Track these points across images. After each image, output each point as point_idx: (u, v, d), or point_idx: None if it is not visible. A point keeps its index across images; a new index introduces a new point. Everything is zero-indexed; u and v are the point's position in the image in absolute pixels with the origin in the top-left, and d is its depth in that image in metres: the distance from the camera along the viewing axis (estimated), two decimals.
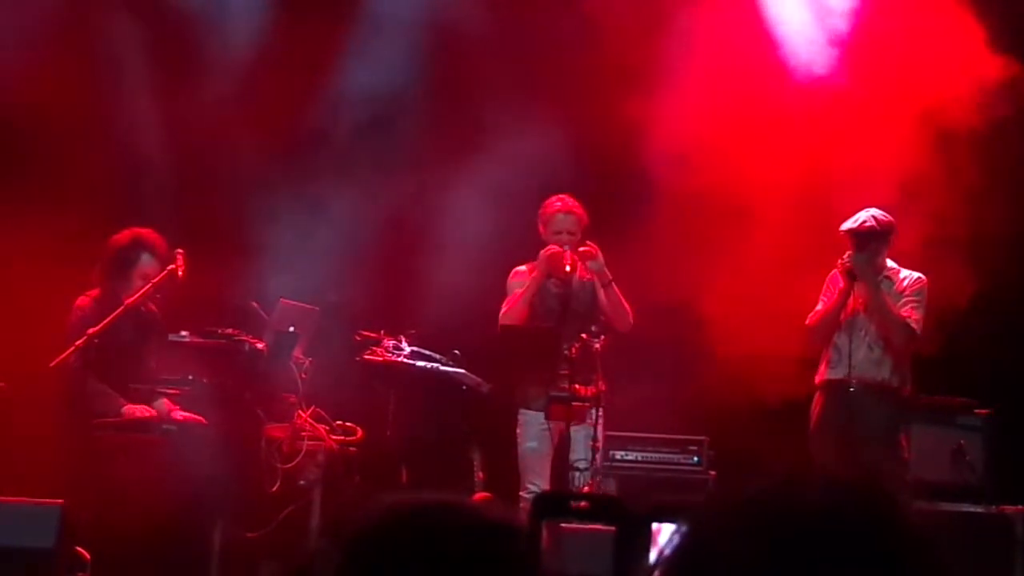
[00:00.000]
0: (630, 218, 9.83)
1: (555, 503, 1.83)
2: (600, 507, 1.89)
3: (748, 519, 1.46)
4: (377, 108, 10.40)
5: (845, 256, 8.87)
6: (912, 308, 8.91)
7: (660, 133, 9.77)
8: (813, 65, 10.19)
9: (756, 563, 1.42)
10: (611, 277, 8.90)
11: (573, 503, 1.90)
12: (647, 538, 1.93)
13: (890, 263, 9.02)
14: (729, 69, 9.98)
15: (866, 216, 8.88)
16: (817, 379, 9.03)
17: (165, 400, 8.64)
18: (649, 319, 9.33)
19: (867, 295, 8.90)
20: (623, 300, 8.91)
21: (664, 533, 1.97)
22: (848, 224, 8.88)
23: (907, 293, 8.93)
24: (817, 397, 9.01)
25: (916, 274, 9.01)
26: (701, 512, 1.52)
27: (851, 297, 8.93)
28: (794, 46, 10.26)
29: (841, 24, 10.21)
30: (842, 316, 8.95)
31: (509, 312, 8.93)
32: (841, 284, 8.92)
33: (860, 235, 8.86)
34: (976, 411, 9.06)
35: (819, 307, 9.03)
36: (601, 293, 8.91)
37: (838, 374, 8.93)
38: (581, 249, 8.89)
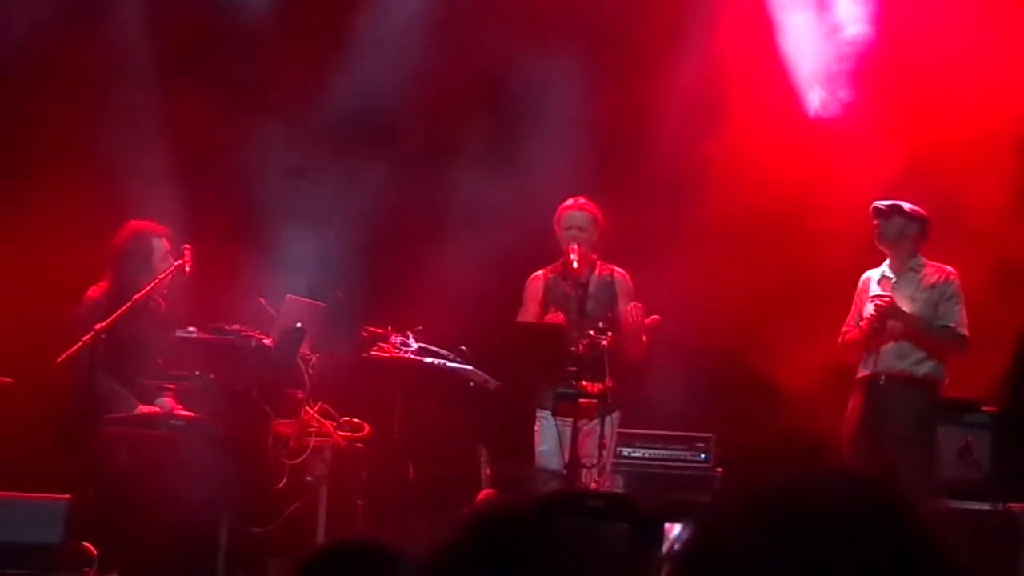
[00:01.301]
0: (646, 210, 9.86)
1: (570, 501, 1.84)
2: (614, 505, 1.89)
3: (758, 518, 1.45)
4: (387, 102, 10.39)
5: (883, 295, 8.78)
6: (957, 311, 8.80)
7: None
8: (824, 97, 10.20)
9: (766, 563, 1.42)
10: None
11: (589, 502, 1.90)
12: (659, 536, 1.92)
13: (920, 258, 8.93)
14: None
15: (899, 201, 8.84)
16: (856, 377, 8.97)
17: (168, 398, 8.63)
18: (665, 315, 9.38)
19: (910, 332, 8.78)
20: (641, 329, 8.79)
21: (675, 531, 1.97)
22: (879, 202, 8.85)
23: (945, 291, 8.81)
24: (852, 394, 8.94)
25: (946, 268, 8.88)
26: (711, 510, 1.52)
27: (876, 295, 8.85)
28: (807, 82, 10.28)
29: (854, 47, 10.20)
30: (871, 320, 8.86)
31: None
32: (871, 311, 8.80)
33: (885, 206, 8.82)
34: (983, 409, 9.05)
35: (850, 319, 8.95)
36: (622, 301, 8.85)
37: (867, 369, 8.86)
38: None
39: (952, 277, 8.87)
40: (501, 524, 1.77)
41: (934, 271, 8.89)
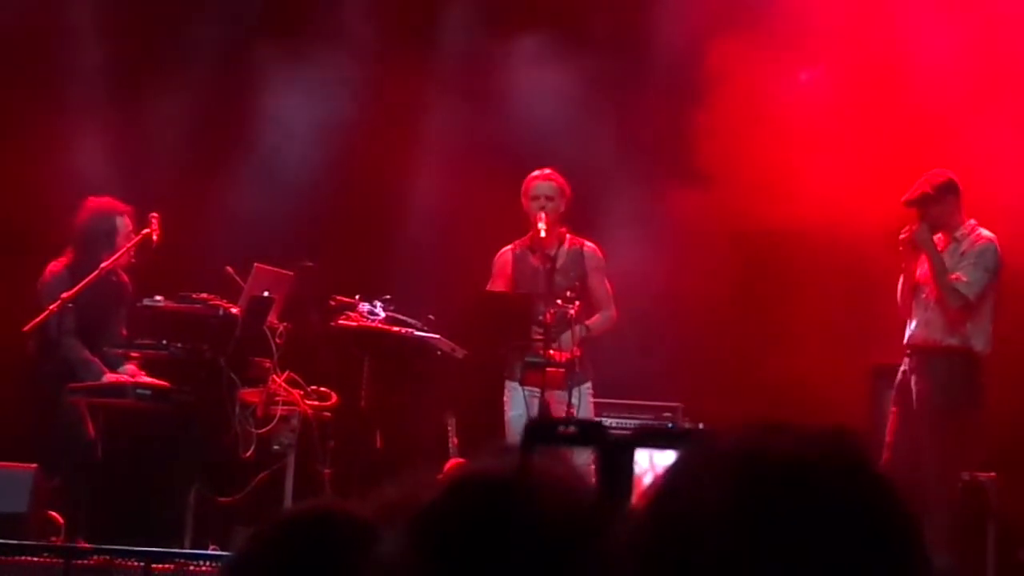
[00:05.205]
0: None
1: (544, 430, 1.85)
2: (586, 432, 1.92)
3: (721, 471, 1.47)
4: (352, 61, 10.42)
5: (904, 230, 8.64)
6: (964, 271, 8.49)
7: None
8: None
9: (727, 515, 1.44)
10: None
11: (561, 429, 1.92)
12: (629, 462, 1.93)
13: (971, 223, 8.64)
14: None
15: (920, 182, 8.60)
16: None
17: (131, 366, 8.61)
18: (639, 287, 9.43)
19: (927, 262, 8.58)
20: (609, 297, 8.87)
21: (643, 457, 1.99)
22: (905, 196, 8.65)
23: (966, 254, 8.54)
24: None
25: (985, 233, 8.60)
26: (679, 463, 1.53)
27: (917, 264, 8.65)
28: None
29: None
30: (910, 283, 8.68)
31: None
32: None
33: (913, 204, 8.64)
34: None
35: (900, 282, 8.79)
36: (592, 275, 8.89)
37: (905, 339, 8.68)
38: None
39: (986, 243, 8.57)
40: (489, 486, 1.76)
41: (975, 239, 8.60)
